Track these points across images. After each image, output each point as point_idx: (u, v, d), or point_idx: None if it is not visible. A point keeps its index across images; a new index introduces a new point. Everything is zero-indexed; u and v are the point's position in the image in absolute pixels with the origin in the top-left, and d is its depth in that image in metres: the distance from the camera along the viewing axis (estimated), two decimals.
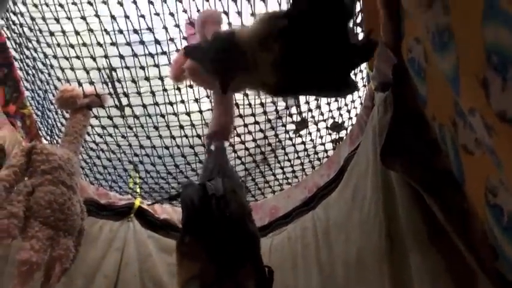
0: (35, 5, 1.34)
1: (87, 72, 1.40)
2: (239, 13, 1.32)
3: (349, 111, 1.57)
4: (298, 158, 1.76)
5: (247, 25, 1.21)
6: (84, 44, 1.36)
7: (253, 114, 1.52)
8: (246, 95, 1.45)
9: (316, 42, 0.89)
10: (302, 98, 1.55)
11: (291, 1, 1.01)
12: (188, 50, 1.17)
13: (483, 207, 0.73)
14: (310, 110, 1.58)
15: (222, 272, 0.96)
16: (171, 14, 1.33)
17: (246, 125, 1.56)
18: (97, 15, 1.32)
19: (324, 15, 0.89)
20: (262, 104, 1.50)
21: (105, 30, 1.32)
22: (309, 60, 0.90)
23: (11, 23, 1.42)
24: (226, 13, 1.33)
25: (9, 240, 1.00)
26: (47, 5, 1.33)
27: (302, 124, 1.67)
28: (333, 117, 1.63)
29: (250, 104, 1.49)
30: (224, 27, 1.27)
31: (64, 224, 1.12)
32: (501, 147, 0.59)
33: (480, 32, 0.59)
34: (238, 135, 1.57)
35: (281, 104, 1.55)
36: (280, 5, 1.32)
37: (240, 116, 1.49)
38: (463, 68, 0.66)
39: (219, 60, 0.99)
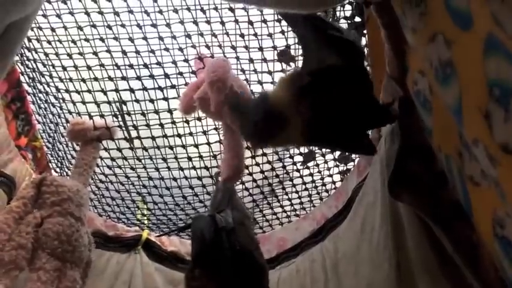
0: (49, 42, 1.38)
1: (98, 106, 1.43)
2: (247, 47, 1.36)
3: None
4: (306, 189, 1.75)
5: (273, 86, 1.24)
6: (96, 79, 1.39)
7: None
8: None
9: (339, 99, 0.94)
10: None
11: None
12: (233, 103, 1.17)
13: (491, 240, 0.72)
14: None
15: None
16: (180, 49, 1.37)
17: (253, 157, 1.57)
18: (108, 51, 1.36)
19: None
20: None
21: (116, 65, 1.36)
22: (333, 117, 0.95)
23: (25, 58, 1.47)
24: (234, 47, 1.36)
25: (16, 272, 1.01)
26: (60, 41, 1.38)
27: (309, 156, 1.67)
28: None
29: None
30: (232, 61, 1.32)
31: (71, 256, 1.12)
32: (505, 179, 0.59)
33: (482, 66, 0.60)
34: (246, 166, 1.58)
35: None
36: (287, 40, 1.36)
37: (248, 147, 1.50)
38: (465, 100, 0.67)
39: (256, 124, 1.01)
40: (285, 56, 1.36)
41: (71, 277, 1.11)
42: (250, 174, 1.62)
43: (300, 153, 1.62)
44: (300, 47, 1.03)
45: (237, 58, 1.36)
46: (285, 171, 1.65)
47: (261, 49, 1.34)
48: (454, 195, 0.90)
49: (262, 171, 1.63)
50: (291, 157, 1.59)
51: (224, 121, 1.27)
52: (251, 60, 1.37)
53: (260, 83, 1.40)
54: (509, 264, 0.68)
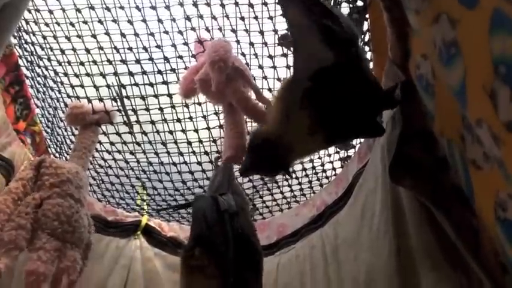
0: (47, 24, 1.36)
1: (97, 90, 1.41)
2: (247, 31, 1.34)
3: None
4: (306, 176, 1.75)
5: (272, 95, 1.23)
6: (94, 62, 1.38)
7: None
8: None
9: (343, 95, 0.94)
10: None
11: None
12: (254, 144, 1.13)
13: (493, 223, 0.71)
14: None
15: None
16: (180, 32, 1.35)
17: None
18: (107, 34, 1.34)
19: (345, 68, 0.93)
20: None
21: (115, 47, 1.34)
22: (340, 113, 0.94)
23: (23, 41, 1.45)
24: (235, 31, 1.34)
25: (16, 252, 1.01)
26: (58, 24, 1.36)
27: None
28: None
29: None
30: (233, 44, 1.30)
31: (71, 237, 1.13)
32: (510, 158, 0.58)
33: (487, 43, 0.59)
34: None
35: None
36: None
37: (248, 132, 1.49)
38: (470, 80, 0.66)
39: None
40: (286, 40, 1.34)
41: (71, 257, 1.11)
42: None
43: None
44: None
45: (238, 42, 1.35)
46: None
47: (261, 33, 1.32)
48: (456, 181, 0.89)
49: None
50: None
51: (226, 102, 1.25)
52: (251, 44, 1.35)
53: (261, 67, 1.39)
54: (510, 246, 0.67)
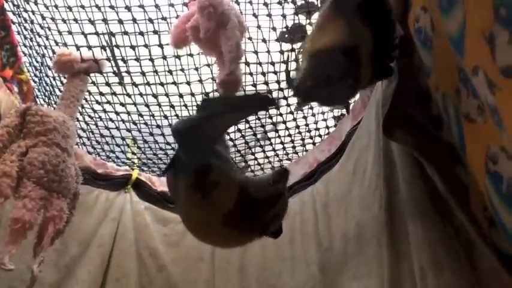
0: None
1: (85, 37, 1.36)
2: None
3: None
4: (299, 133, 1.73)
5: None
6: (83, 7, 1.32)
7: (254, 85, 1.49)
8: (247, 63, 1.42)
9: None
10: None
11: None
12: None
13: (483, 176, 0.72)
14: None
15: None
16: None
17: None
18: None
19: None
20: (263, 74, 1.47)
21: None
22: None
23: None
24: None
25: (1, 199, 0.99)
26: None
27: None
28: None
29: (251, 74, 1.46)
30: None
31: (58, 186, 1.10)
32: (504, 104, 0.57)
33: None
34: None
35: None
36: None
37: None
38: (469, 25, 0.64)
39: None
40: None
41: (57, 206, 1.09)
42: None
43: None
44: None
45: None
46: (278, 112, 1.62)
47: None
48: (449, 138, 0.89)
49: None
50: (285, 98, 1.55)
51: (217, 51, 1.21)
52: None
53: (255, 15, 1.34)
54: (499, 201, 0.68)
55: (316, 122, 1.69)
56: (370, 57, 0.91)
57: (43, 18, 1.38)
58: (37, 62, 1.54)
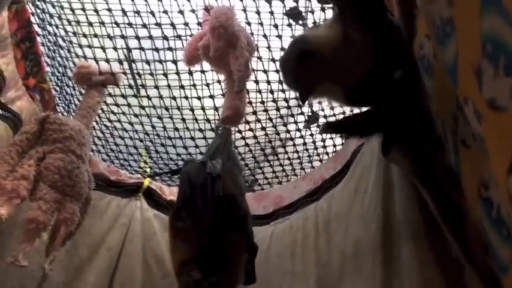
0: None
1: (104, 51, 1.44)
2: None
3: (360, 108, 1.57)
4: (307, 150, 1.77)
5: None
6: (103, 23, 1.40)
7: (262, 102, 1.54)
8: (256, 81, 1.47)
9: None
10: None
11: None
12: None
13: (476, 202, 0.74)
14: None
15: (214, 248, 0.98)
16: None
17: (255, 113, 1.58)
18: None
19: None
20: (271, 92, 1.52)
21: (123, 10, 1.36)
22: None
23: None
24: None
25: (18, 200, 1.05)
26: None
27: (312, 118, 1.68)
28: (343, 113, 1.63)
29: (259, 91, 1.51)
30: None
31: (71, 190, 1.17)
32: (488, 134, 0.60)
33: (478, 22, 0.60)
34: (247, 122, 1.60)
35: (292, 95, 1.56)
36: None
37: (250, 103, 1.51)
38: (461, 57, 0.67)
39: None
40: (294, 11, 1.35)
41: (70, 209, 1.16)
42: (251, 130, 1.64)
43: (302, 113, 1.63)
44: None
45: (244, 10, 1.35)
46: (287, 129, 1.67)
47: (268, 1, 1.33)
48: (448, 161, 0.91)
49: (263, 128, 1.64)
50: (293, 115, 1.59)
51: (227, 69, 1.27)
52: (258, 13, 1.36)
53: (265, 36, 1.39)
54: (489, 226, 0.69)
55: (323, 140, 1.73)
56: None
57: (66, 32, 1.46)
58: (59, 72, 1.62)
